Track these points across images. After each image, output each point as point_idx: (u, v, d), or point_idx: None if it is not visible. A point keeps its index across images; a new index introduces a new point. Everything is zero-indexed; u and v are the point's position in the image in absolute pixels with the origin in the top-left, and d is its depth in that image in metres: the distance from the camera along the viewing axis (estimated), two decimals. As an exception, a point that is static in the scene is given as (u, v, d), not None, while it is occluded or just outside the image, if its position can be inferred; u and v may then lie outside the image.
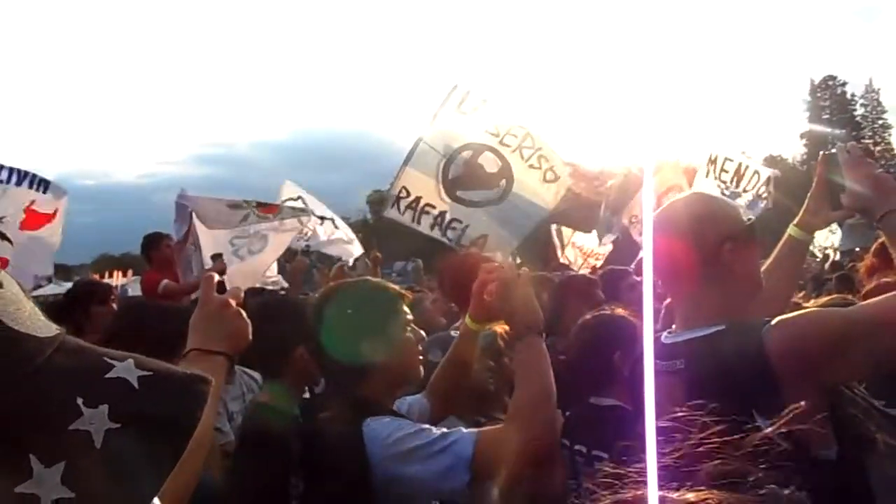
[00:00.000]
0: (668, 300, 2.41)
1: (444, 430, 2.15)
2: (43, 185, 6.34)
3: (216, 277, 1.98)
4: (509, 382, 3.31)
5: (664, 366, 2.03)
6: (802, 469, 1.79)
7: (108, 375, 0.67)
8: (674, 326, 2.15)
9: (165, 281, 6.46)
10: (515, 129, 6.56)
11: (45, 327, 0.70)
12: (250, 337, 1.93)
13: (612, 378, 3.00)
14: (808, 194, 2.42)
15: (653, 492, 0.91)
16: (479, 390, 3.07)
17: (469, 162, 6.54)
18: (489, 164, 6.52)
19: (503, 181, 6.57)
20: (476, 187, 6.54)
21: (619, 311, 3.27)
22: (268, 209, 6.89)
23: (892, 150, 67.44)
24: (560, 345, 3.73)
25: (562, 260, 9.74)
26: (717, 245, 2.04)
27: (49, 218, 6.40)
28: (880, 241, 4.33)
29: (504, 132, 6.52)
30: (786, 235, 2.49)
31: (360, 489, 2.09)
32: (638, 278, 5.62)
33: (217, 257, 6.49)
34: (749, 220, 2.18)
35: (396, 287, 2.53)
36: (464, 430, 2.16)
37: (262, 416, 3.05)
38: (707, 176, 8.74)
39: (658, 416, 1.55)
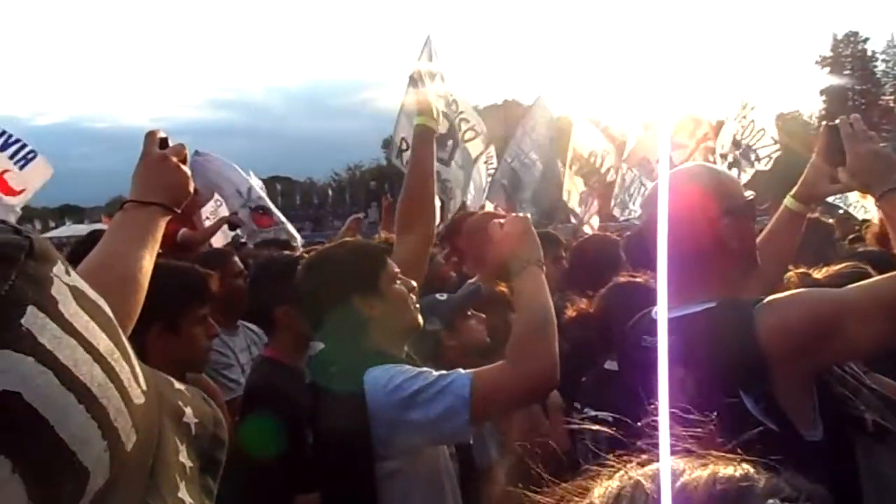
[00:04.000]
0: None
1: (444, 371, 2.15)
2: (24, 161, 6.03)
3: (160, 134, 1.93)
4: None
5: (654, 342, 2.01)
6: (789, 450, 1.81)
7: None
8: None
9: (183, 229, 6.42)
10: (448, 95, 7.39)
11: None
12: (191, 190, 1.91)
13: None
14: (808, 164, 2.34)
15: (665, 470, 0.89)
16: (476, 346, 3.05)
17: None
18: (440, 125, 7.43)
19: (450, 141, 7.63)
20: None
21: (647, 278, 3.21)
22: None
23: (916, 104, 66.50)
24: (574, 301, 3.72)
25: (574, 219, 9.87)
26: (715, 219, 2.00)
27: (15, 193, 6.13)
28: None
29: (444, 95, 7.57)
30: (782, 207, 2.43)
31: (362, 439, 2.11)
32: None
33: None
34: (750, 195, 2.12)
35: (378, 244, 2.53)
36: (462, 371, 2.14)
37: (266, 371, 3.15)
38: (735, 119, 9.01)
39: (648, 391, 1.52)
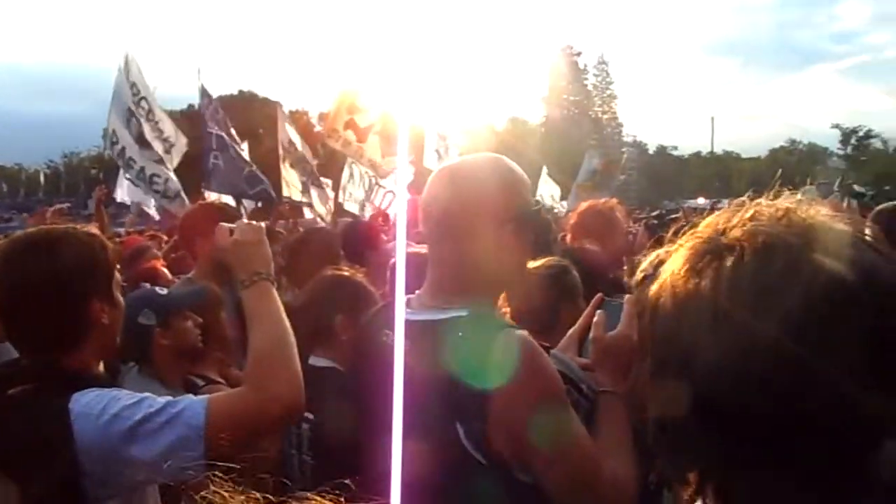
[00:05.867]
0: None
1: (170, 398, 1.87)
2: None
3: None
4: (221, 339, 3.15)
5: (391, 338, 1.86)
6: (496, 486, 1.69)
7: None
8: (417, 293, 1.96)
9: None
10: (144, 102, 8.25)
11: None
12: None
13: (331, 340, 2.94)
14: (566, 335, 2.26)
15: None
16: (187, 350, 2.91)
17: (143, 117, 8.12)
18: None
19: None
20: (145, 145, 8.11)
21: (354, 272, 3.27)
22: None
23: (618, 118, 73.57)
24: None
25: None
26: (500, 222, 1.86)
27: None
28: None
29: (140, 97, 8.21)
30: None
31: (70, 483, 1.76)
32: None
33: None
34: (537, 206, 2.02)
35: (103, 238, 2.14)
36: (193, 397, 1.90)
37: None
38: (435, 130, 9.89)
39: (381, 393, 1.42)
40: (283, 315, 2.02)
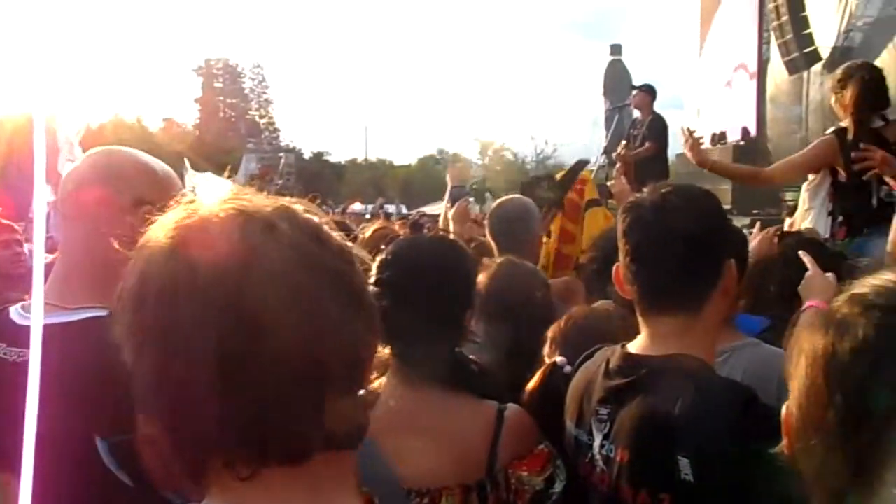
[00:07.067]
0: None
1: None
2: None
3: None
4: None
5: (8, 352, 1.69)
6: None
7: None
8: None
9: None
10: None
11: None
12: None
13: None
14: None
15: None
16: None
17: None
18: None
19: None
20: None
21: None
22: None
23: (275, 123, 73.67)
24: None
25: None
26: (132, 205, 1.71)
27: None
28: None
29: None
30: None
31: None
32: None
33: None
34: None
35: None
36: None
37: None
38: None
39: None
40: None
